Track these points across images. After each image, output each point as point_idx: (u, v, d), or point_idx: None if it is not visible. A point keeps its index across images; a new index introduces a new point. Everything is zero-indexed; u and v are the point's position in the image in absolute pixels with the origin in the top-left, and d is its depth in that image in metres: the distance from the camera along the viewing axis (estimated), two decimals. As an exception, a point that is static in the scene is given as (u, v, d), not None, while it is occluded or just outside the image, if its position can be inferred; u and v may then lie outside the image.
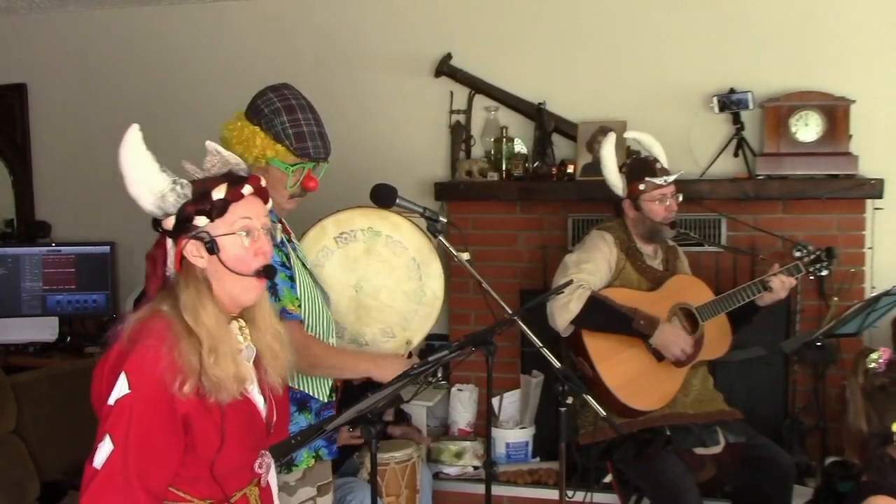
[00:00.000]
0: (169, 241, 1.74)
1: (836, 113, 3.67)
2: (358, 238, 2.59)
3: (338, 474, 3.13)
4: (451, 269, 3.94)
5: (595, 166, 3.87)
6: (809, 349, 2.98)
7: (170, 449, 1.67)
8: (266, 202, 1.82)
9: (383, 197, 2.44)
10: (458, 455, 3.86)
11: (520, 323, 2.42)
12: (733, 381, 3.74)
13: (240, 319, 1.82)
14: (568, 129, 4.06)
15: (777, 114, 3.71)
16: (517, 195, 4.00)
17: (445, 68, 4.15)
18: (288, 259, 2.33)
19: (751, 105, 3.77)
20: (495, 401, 3.95)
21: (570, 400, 2.32)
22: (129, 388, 1.62)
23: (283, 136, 2.32)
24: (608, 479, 3.24)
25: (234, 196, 1.73)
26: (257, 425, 1.82)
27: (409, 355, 2.54)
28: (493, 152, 4.09)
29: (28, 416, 3.32)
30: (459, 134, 4.20)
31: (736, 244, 3.76)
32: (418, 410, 3.84)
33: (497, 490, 3.68)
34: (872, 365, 2.12)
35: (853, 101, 3.67)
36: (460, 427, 4.04)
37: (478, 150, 4.20)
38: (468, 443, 3.90)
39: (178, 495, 1.73)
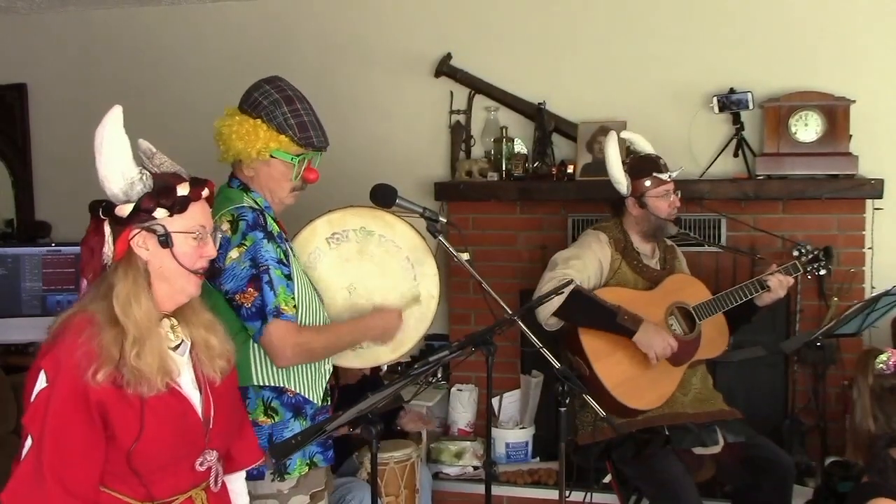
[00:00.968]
0: (107, 229, 1.74)
1: (836, 113, 3.67)
2: (350, 238, 2.54)
3: (337, 474, 3.13)
4: (451, 269, 3.95)
5: (595, 166, 3.90)
6: (809, 349, 2.98)
7: (87, 440, 1.66)
8: (212, 208, 1.88)
9: (383, 197, 2.44)
10: (458, 455, 3.86)
11: (520, 323, 2.42)
12: (733, 381, 3.74)
13: (171, 318, 1.83)
14: (568, 129, 4.06)
15: (777, 114, 3.71)
16: (517, 195, 4.00)
17: (445, 68, 4.15)
18: (286, 256, 2.30)
19: (751, 105, 3.77)
20: (495, 401, 3.95)
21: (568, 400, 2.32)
22: (47, 382, 1.65)
23: (285, 126, 2.30)
24: (608, 479, 3.24)
25: (194, 195, 1.78)
26: (189, 420, 1.80)
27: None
28: (493, 152, 4.09)
29: (28, 416, 3.32)
30: (459, 134, 4.20)
31: (736, 244, 3.76)
32: (418, 410, 3.83)
33: (497, 490, 3.68)
34: (881, 366, 2.12)
35: (853, 101, 3.67)
36: (460, 427, 4.04)
37: (478, 150, 4.21)
38: (468, 443, 3.90)
39: (113, 496, 1.72)
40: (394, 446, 3.22)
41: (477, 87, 4.17)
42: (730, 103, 3.80)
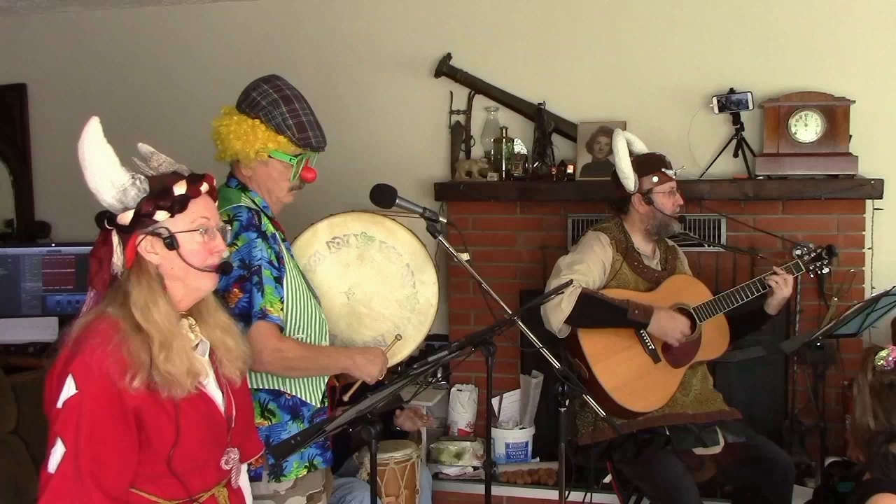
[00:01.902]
0: (115, 238, 1.73)
1: (836, 113, 3.67)
2: (351, 243, 2.53)
3: (337, 474, 3.13)
4: (451, 270, 3.95)
5: (595, 166, 3.90)
6: (809, 349, 2.98)
7: (123, 446, 1.66)
8: (216, 201, 1.85)
9: (383, 197, 2.44)
10: (458, 455, 3.86)
11: (520, 323, 2.42)
12: (733, 381, 3.74)
13: (189, 318, 1.83)
14: (568, 130, 4.06)
15: (777, 114, 3.71)
16: (517, 195, 4.00)
17: (445, 68, 4.15)
18: (278, 258, 2.28)
19: (750, 105, 3.77)
20: (495, 401, 3.95)
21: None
22: (77, 389, 1.62)
23: (284, 127, 2.30)
24: (608, 479, 3.24)
25: (193, 192, 1.76)
26: (216, 420, 1.81)
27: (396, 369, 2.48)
28: (492, 152, 4.09)
29: (28, 416, 3.32)
30: (459, 134, 4.20)
31: (736, 245, 3.76)
32: (413, 407, 3.83)
33: (497, 490, 3.68)
34: (881, 362, 2.13)
35: (853, 101, 3.67)
36: (460, 427, 4.04)
37: (478, 151, 4.20)
38: (468, 443, 3.90)
39: (142, 497, 1.72)
40: (394, 446, 3.21)
41: (477, 87, 4.17)
42: (730, 103, 3.80)
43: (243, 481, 2.03)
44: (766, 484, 2.96)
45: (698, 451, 2.97)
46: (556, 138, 4.07)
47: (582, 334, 2.97)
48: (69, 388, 1.63)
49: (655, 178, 3.05)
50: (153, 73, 4.63)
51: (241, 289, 2.20)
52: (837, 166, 3.66)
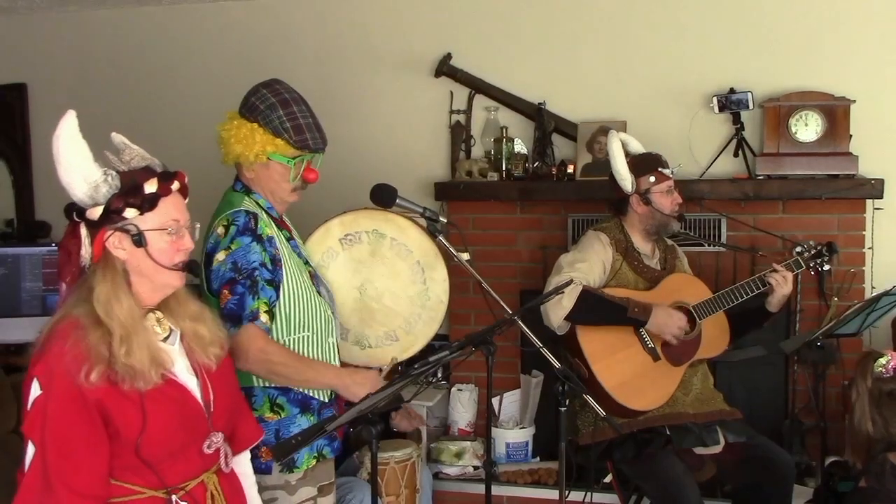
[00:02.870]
0: (83, 231, 1.73)
1: (836, 113, 3.67)
2: (363, 240, 2.60)
3: (337, 474, 3.13)
4: (451, 269, 3.93)
5: (595, 166, 3.90)
6: (809, 349, 2.98)
7: (90, 440, 1.66)
8: (187, 198, 1.85)
9: (383, 197, 2.45)
10: (458, 455, 3.86)
11: (520, 323, 2.42)
12: (733, 381, 3.74)
13: (157, 311, 1.83)
14: (568, 129, 4.06)
15: (777, 114, 3.71)
16: (517, 195, 4.00)
17: (445, 68, 4.15)
18: (272, 261, 2.30)
19: (751, 105, 3.77)
20: (495, 401, 3.95)
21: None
22: (41, 390, 1.66)
23: (281, 130, 2.34)
24: (608, 478, 3.24)
25: (164, 191, 1.76)
26: (190, 405, 1.81)
27: (388, 376, 2.46)
28: (493, 152, 4.09)
29: (28, 416, 3.32)
30: (459, 134, 4.20)
31: (736, 244, 3.76)
32: (418, 410, 3.83)
33: (497, 490, 3.68)
34: (880, 370, 2.13)
35: (853, 101, 3.67)
36: (460, 427, 4.04)
37: (478, 151, 4.20)
38: (468, 443, 3.90)
39: (124, 487, 1.73)
40: (394, 446, 3.21)
41: (477, 86, 4.17)
42: (730, 103, 3.80)
43: (242, 466, 2.03)
44: (767, 483, 2.96)
45: (699, 450, 2.96)
46: (556, 138, 4.07)
47: (581, 333, 2.97)
48: (35, 390, 1.67)
49: (652, 178, 3.05)
50: (153, 73, 4.63)
51: (230, 291, 2.24)
52: (838, 166, 3.66)
